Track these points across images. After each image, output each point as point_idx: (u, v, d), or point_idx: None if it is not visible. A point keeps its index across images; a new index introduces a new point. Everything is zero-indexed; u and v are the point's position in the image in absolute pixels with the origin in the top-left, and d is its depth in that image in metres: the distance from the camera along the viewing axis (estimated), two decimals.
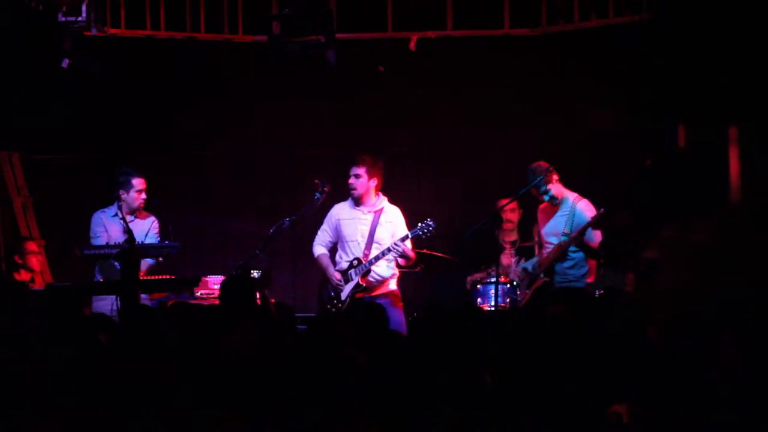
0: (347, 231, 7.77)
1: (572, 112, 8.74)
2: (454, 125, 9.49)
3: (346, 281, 7.67)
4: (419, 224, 7.61)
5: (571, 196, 7.76)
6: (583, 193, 7.83)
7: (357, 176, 7.70)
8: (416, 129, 9.57)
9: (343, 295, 7.65)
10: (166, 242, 7.45)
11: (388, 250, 7.59)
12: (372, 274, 7.68)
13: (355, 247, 7.73)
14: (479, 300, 8.13)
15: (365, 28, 9.14)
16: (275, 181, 9.76)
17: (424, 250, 8.18)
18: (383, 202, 7.80)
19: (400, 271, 8.03)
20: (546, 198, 7.77)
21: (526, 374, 3.67)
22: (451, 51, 9.18)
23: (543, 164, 7.72)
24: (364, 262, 7.64)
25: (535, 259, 8.05)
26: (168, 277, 7.55)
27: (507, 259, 8.63)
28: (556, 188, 7.73)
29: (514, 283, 8.12)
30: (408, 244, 7.65)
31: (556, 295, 5.89)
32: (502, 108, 9.24)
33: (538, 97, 9.04)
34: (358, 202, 7.76)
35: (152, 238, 7.74)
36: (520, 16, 9.02)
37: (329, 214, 7.89)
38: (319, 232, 7.92)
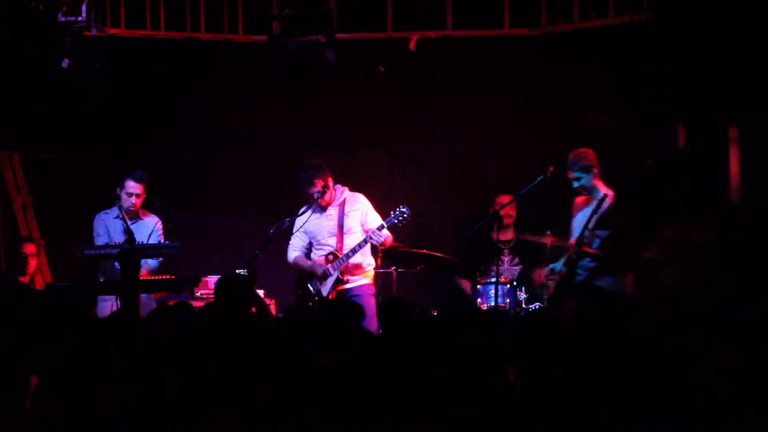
0: (316, 230, 7.84)
1: (572, 112, 8.74)
2: (454, 125, 9.49)
3: (325, 278, 7.73)
4: (392, 212, 7.65)
5: (602, 191, 7.51)
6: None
7: (321, 191, 7.71)
8: (416, 129, 9.57)
9: (325, 291, 7.72)
10: (167, 242, 7.45)
11: (365, 241, 7.63)
12: (349, 262, 7.75)
13: (327, 242, 7.79)
14: (479, 300, 8.13)
15: (365, 28, 9.14)
16: (275, 181, 9.76)
17: (424, 251, 8.19)
18: (344, 193, 7.86)
19: (396, 270, 8.06)
20: (576, 184, 7.50)
21: (548, 372, 3.67)
22: (451, 51, 9.18)
23: (591, 154, 7.42)
24: (340, 255, 7.71)
25: (563, 260, 7.88)
26: (168, 277, 7.55)
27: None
28: (590, 179, 7.44)
29: (514, 283, 8.12)
30: (385, 230, 7.69)
31: (574, 290, 5.86)
32: (502, 108, 9.24)
33: (539, 97, 9.04)
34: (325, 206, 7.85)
35: (156, 239, 7.73)
36: (520, 16, 9.01)
37: (297, 219, 7.91)
38: (291, 240, 7.97)
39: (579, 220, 7.57)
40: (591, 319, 4.14)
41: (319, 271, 7.78)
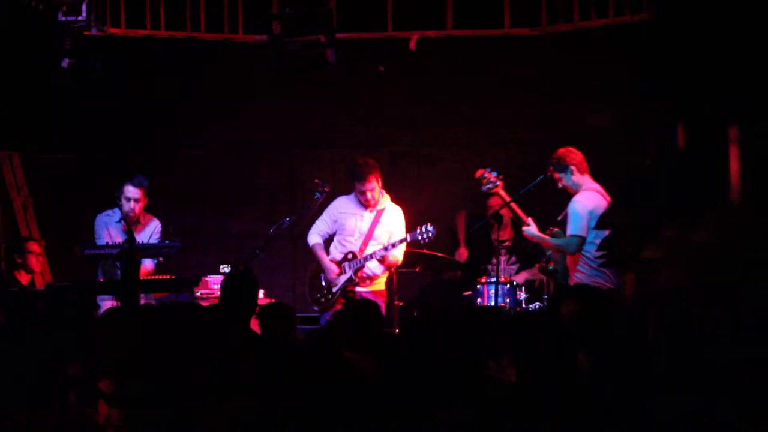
0: (347, 224, 7.87)
1: (572, 112, 8.73)
2: (454, 125, 9.49)
3: (340, 273, 7.76)
4: (419, 228, 7.65)
5: (584, 186, 7.46)
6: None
7: (373, 189, 7.78)
8: (416, 129, 9.57)
9: (335, 288, 7.74)
10: (166, 242, 7.45)
11: (385, 249, 7.66)
12: (365, 269, 7.76)
13: (352, 241, 7.81)
14: (479, 300, 8.12)
15: (365, 28, 9.14)
16: (275, 181, 9.76)
17: (425, 250, 8.19)
18: (386, 201, 7.88)
19: (397, 271, 8.05)
20: (560, 185, 7.42)
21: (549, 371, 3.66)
22: (451, 51, 9.18)
23: (567, 152, 7.37)
24: (359, 257, 7.73)
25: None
26: (168, 277, 7.55)
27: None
28: (569, 177, 7.36)
29: (514, 283, 8.12)
30: (402, 246, 7.70)
31: (568, 292, 5.85)
32: (502, 108, 9.24)
33: (538, 97, 9.04)
34: (366, 205, 7.86)
35: (154, 241, 7.73)
36: (520, 16, 9.02)
37: (332, 205, 7.99)
38: (317, 221, 8.01)
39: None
40: (588, 320, 4.14)
41: (331, 276, 7.80)
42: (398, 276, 8.13)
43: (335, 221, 7.94)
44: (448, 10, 9.01)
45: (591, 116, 8.41)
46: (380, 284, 7.91)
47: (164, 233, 7.81)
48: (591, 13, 8.81)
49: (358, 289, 7.80)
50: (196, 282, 7.76)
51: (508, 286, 8.06)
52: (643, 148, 7.71)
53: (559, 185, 7.47)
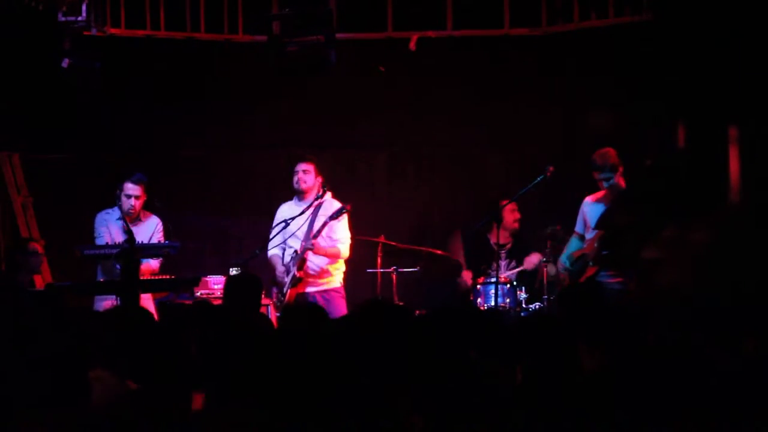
0: (291, 226, 7.76)
1: (572, 112, 8.74)
2: (454, 125, 9.49)
3: (286, 273, 7.69)
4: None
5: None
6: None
7: (305, 172, 7.82)
8: (416, 129, 9.57)
9: (285, 288, 7.66)
10: (166, 242, 7.44)
11: (313, 236, 7.56)
12: (309, 264, 7.67)
13: (295, 241, 7.74)
14: (479, 300, 8.13)
15: (365, 28, 9.14)
16: (275, 181, 9.76)
17: (424, 248, 8.19)
18: (326, 196, 7.78)
19: (396, 270, 8.04)
20: (606, 185, 7.41)
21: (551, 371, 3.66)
22: (451, 51, 9.18)
23: (615, 152, 7.43)
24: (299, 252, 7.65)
25: (567, 253, 7.74)
26: (168, 277, 7.54)
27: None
28: (616, 177, 7.40)
29: (514, 283, 8.12)
30: (342, 237, 7.67)
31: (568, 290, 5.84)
32: (502, 108, 9.24)
33: (538, 97, 9.05)
34: (301, 197, 7.82)
35: (155, 240, 7.72)
36: (520, 16, 9.02)
37: (276, 215, 7.88)
38: (270, 237, 7.88)
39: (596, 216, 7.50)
40: (585, 318, 4.14)
41: (277, 277, 7.76)
42: (398, 276, 8.12)
43: (280, 226, 7.82)
44: (448, 10, 9.02)
45: (591, 116, 8.42)
46: (334, 282, 7.77)
47: (166, 232, 7.80)
48: (591, 14, 8.82)
49: (310, 289, 7.67)
50: (196, 282, 7.75)
51: (508, 286, 8.06)
52: (643, 148, 7.76)
53: (607, 184, 7.43)
